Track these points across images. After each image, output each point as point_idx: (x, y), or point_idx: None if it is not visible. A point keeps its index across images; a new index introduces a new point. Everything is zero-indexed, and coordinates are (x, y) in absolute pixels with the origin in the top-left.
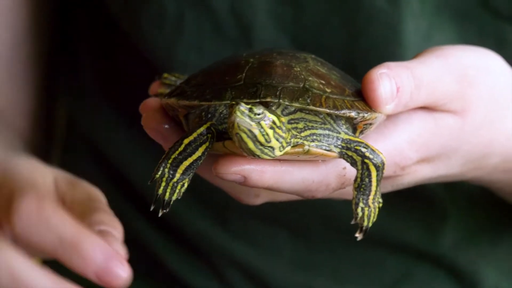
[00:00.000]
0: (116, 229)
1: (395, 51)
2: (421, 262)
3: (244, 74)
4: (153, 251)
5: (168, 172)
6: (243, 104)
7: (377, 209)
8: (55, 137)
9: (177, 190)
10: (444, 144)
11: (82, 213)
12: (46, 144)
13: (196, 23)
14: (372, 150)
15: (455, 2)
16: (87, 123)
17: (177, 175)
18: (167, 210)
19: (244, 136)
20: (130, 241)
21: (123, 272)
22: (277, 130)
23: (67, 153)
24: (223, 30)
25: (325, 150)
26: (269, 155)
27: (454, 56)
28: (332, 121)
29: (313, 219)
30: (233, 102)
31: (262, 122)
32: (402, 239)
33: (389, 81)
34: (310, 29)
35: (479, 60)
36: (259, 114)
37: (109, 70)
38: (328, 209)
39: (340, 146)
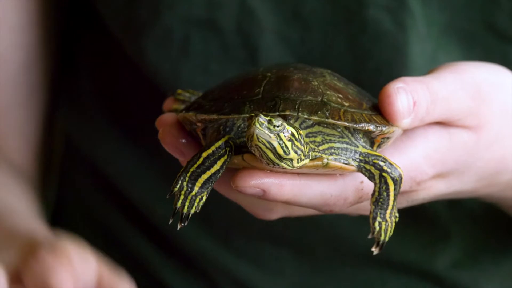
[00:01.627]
0: None
1: (401, 73)
2: (424, 282)
3: (262, 88)
4: (153, 269)
5: (187, 185)
6: (262, 116)
7: (393, 224)
8: (53, 155)
9: (195, 204)
10: (459, 160)
11: None
12: (45, 166)
13: (202, 44)
14: (390, 164)
15: (461, 25)
16: (86, 141)
17: (196, 189)
18: (186, 223)
19: (263, 147)
20: (129, 259)
21: None
22: (295, 142)
23: (65, 171)
24: (229, 51)
25: (344, 163)
26: (288, 166)
27: (468, 72)
28: (350, 135)
29: (317, 239)
30: (252, 114)
31: (281, 134)
32: (405, 258)
33: (406, 95)
34: (316, 50)
35: (491, 76)
36: (278, 126)
37: (109, 87)
38: (332, 229)
39: (358, 160)
